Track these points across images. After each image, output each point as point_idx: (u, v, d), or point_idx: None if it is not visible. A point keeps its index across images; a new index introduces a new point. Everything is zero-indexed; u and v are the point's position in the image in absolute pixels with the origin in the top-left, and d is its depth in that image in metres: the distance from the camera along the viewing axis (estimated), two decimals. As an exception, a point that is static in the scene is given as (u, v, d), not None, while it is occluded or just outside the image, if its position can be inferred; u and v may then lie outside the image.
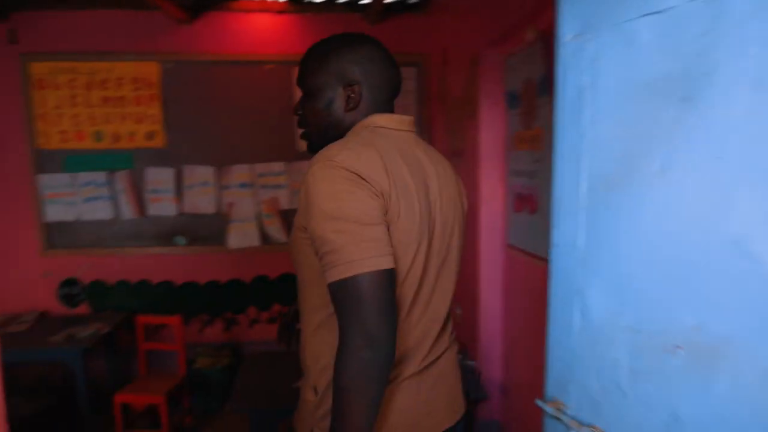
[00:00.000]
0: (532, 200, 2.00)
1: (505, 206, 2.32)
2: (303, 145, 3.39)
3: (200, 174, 3.41)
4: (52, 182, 3.37)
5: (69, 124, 3.36)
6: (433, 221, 1.06)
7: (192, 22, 3.30)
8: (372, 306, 0.89)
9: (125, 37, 3.30)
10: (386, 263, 0.92)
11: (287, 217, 3.47)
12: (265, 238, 3.47)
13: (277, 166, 3.43)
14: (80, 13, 3.27)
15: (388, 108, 1.14)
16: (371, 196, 0.94)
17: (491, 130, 2.33)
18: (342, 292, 0.90)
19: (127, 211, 3.42)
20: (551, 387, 1.13)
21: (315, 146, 1.12)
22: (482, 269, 2.39)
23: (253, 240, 3.46)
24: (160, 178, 3.40)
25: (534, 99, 1.98)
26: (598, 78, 0.99)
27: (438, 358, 1.13)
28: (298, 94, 3.35)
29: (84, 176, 3.38)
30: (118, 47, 3.30)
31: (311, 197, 0.94)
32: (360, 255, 0.90)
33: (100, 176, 3.39)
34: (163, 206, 3.43)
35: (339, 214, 0.91)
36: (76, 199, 3.40)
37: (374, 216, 0.93)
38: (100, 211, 3.41)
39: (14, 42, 3.13)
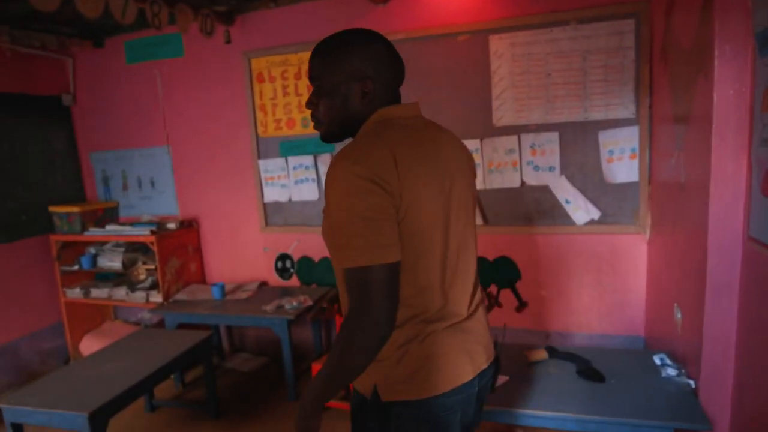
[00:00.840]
0: (790, 179, 1.45)
1: (748, 187, 1.76)
2: (500, 119, 3.17)
3: (394, 155, 3.40)
4: (268, 166, 3.72)
5: (282, 113, 3.65)
6: (450, 194, 1.21)
7: (387, 2, 3.27)
8: (371, 292, 1.08)
9: (327, 25, 3.42)
10: (389, 257, 1.09)
11: (482, 198, 3.26)
12: (457, 220, 3.32)
13: (471, 143, 3.23)
14: (288, 8, 3.50)
15: (396, 97, 1.29)
16: (381, 195, 1.08)
17: (730, 86, 1.77)
18: (350, 277, 1.10)
19: (329, 192, 3.59)
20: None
21: (332, 137, 1.28)
22: (710, 267, 1.86)
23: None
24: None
25: (797, 37, 1.41)
26: None
27: (476, 310, 1.31)
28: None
29: (294, 160, 3.65)
30: (321, 36, 3.43)
31: (329, 194, 1.11)
32: (366, 248, 1.07)
33: (308, 160, 3.62)
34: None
35: (351, 209, 1.07)
36: (288, 182, 3.70)
37: (383, 212, 1.08)
38: (306, 193, 3.66)
39: (228, 42, 3.50)
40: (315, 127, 1.30)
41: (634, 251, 3.04)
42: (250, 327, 3.94)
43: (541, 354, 2.35)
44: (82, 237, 3.83)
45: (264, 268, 3.88)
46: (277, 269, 3.84)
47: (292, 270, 3.79)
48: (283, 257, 3.80)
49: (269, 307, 3.26)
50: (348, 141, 1.28)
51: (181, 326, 3.44)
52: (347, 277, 1.10)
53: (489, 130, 3.19)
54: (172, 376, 3.51)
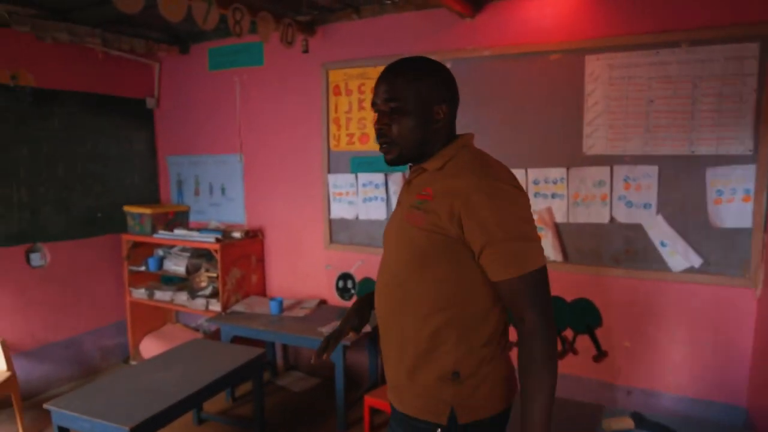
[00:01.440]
0: None
1: None
2: (591, 148, 2.87)
3: (469, 178, 3.18)
4: (337, 181, 3.60)
5: (355, 128, 3.53)
6: None
7: (474, 16, 3.09)
8: (549, 294, 1.17)
9: (410, 39, 3.28)
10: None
11: (564, 233, 2.97)
12: (533, 254, 3.04)
13: (556, 171, 2.95)
14: (371, 21, 3.39)
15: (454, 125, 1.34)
16: (528, 202, 1.21)
17: None
18: (530, 281, 1.14)
19: (398, 213, 3.42)
20: None
21: (402, 159, 1.29)
22: None
23: (520, 255, 3.07)
24: (429, 181, 3.30)
25: None
26: None
27: None
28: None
29: (364, 177, 3.51)
30: (403, 50, 3.30)
31: (482, 208, 1.14)
32: (538, 251, 1.16)
33: (378, 177, 3.46)
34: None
35: (518, 216, 1.16)
36: (356, 199, 3.56)
37: (533, 219, 1.21)
38: (374, 211, 3.50)
39: (306, 51, 3.42)
40: (383, 149, 1.30)
41: (741, 308, 2.64)
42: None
43: (626, 422, 2.03)
44: (151, 239, 3.88)
45: (325, 286, 3.75)
46: (338, 288, 3.69)
47: (353, 291, 3.63)
48: (345, 277, 3.65)
49: (325, 329, 3.11)
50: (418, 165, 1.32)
51: (236, 338, 3.36)
52: (527, 282, 1.14)
53: (577, 159, 2.90)
54: (223, 389, 3.43)
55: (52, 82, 3.56)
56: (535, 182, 3.01)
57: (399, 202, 1.38)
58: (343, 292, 3.68)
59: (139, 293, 3.95)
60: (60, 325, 3.69)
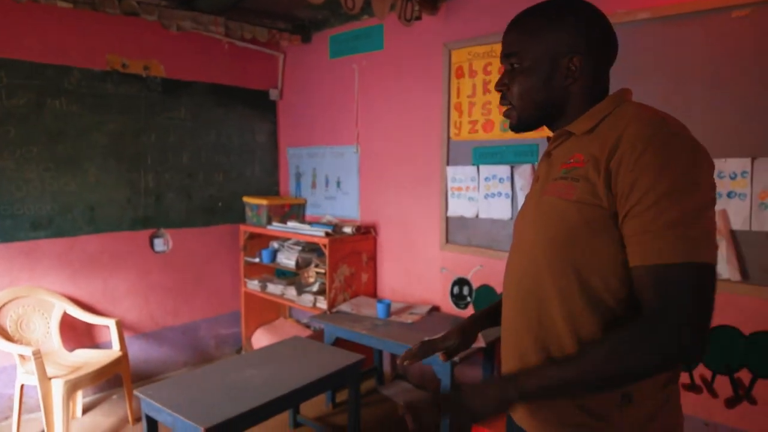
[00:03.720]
0: None
1: None
2: None
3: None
4: (457, 174, 3.21)
5: (479, 114, 3.12)
6: None
7: (628, -27, 2.52)
8: (707, 299, 0.83)
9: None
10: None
11: (744, 244, 2.28)
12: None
13: (735, 163, 2.28)
14: (501, -12, 2.96)
15: (606, 80, 1.05)
16: (713, 176, 0.89)
17: None
18: (687, 276, 0.82)
19: (524, 211, 2.94)
20: None
21: (524, 124, 1.08)
22: None
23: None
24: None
25: None
26: None
27: None
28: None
29: (487, 170, 3.08)
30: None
31: (645, 160, 0.85)
32: (709, 242, 0.85)
33: (503, 171, 3.01)
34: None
35: (696, 189, 0.84)
36: (477, 195, 3.14)
37: (715, 198, 0.89)
38: (497, 209, 3.05)
39: (419, 18, 3.06)
40: (504, 114, 1.10)
41: None
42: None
43: None
44: (265, 230, 3.82)
45: (438, 291, 3.37)
46: (452, 295, 3.30)
47: (469, 299, 3.21)
48: (461, 282, 3.24)
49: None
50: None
51: (339, 340, 3.12)
52: (689, 274, 0.82)
53: (767, 147, 2.20)
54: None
55: (180, 72, 3.64)
56: (721, 176, 2.35)
57: (537, 178, 1.11)
58: (458, 299, 3.27)
59: (253, 285, 3.92)
60: (178, 310, 3.76)
